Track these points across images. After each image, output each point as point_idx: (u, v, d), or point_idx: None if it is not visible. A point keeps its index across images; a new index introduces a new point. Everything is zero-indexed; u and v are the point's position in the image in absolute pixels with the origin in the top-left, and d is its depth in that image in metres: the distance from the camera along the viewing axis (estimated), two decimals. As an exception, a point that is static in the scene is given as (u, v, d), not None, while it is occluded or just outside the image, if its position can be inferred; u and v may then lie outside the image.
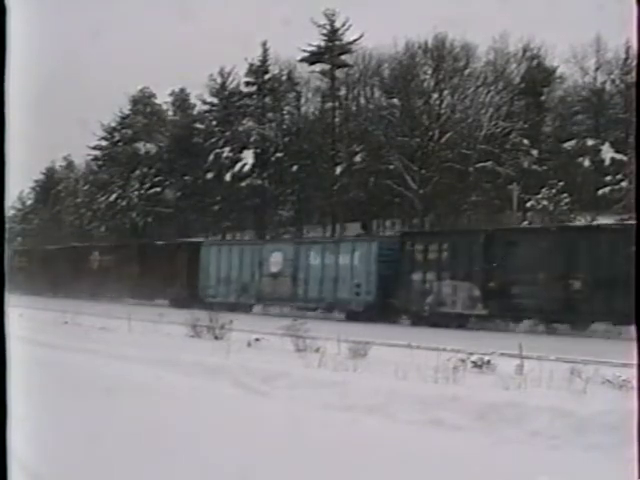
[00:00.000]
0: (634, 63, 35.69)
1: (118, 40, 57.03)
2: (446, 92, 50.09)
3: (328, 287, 30.98)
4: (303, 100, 58.00)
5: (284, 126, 56.79)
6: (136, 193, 59.30)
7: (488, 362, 12.07)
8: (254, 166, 54.17)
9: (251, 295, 34.29)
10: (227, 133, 56.09)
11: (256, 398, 10.66)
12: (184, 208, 57.28)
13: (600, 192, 45.05)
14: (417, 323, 26.78)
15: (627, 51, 44.80)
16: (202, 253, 37.22)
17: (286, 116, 57.51)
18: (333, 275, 30.88)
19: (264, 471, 6.86)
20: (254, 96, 56.90)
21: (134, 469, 6.81)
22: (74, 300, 33.59)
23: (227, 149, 55.20)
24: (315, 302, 31.55)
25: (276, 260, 33.36)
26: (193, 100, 62.01)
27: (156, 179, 59.30)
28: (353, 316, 29.13)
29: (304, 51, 54.27)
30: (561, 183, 43.10)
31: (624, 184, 41.80)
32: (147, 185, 59.26)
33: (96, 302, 35.75)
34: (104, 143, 63.93)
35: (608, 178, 45.01)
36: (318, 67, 54.68)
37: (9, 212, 41.46)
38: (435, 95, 49.91)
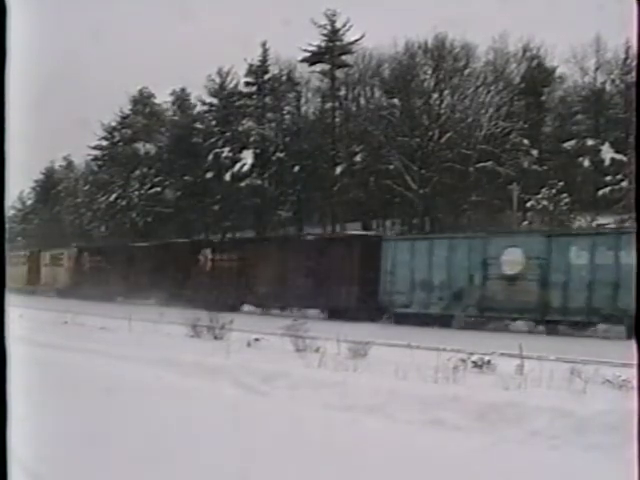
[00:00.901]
0: (634, 63, 35.68)
1: (118, 40, 57.18)
2: (446, 92, 50.07)
3: (602, 295, 23.83)
4: (303, 100, 58.09)
5: (284, 126, 56.77)
6: (136, 193, 59.27)
7: None
8: (254, 166, 54.15)
9: (468, 304, 27.44)
10: (227, 133, 56.06)
11: (256, 398, 10.65)
12: (184, 208, 57.22)
13: (600, 192, 45.09)
14: None
15: (627, 51, 44.89)
16: (385, 250, 30.34)
17: (286, 116, 57.50)
18: (612, 279, 23.32)
19: (264, 471, 6.86)
20: (254, 96, 56.87)
21: (134, 469, 6.81)
22: (176, 308, 26.33)
23: (227, 149, 55.16)
24: (581, 314, 24.57)
25: (512, 258, 26.42)
26: (193, 100, 62.11)
27: (156, 179, 59.25)
28: None
29: (304, 51, 54.29)
30: (561, 183, 43.06)
31: (624, 184, 41.80)
32: (147, 185, 59.23)
33: (203, 311, 22.81)
34: (104, 143, 63.96)
35: (608, 178, 45.04)
36: (318, 67, 54.65)
37: (9, 212, 40.87)
38: (435, 95, 49.87)
